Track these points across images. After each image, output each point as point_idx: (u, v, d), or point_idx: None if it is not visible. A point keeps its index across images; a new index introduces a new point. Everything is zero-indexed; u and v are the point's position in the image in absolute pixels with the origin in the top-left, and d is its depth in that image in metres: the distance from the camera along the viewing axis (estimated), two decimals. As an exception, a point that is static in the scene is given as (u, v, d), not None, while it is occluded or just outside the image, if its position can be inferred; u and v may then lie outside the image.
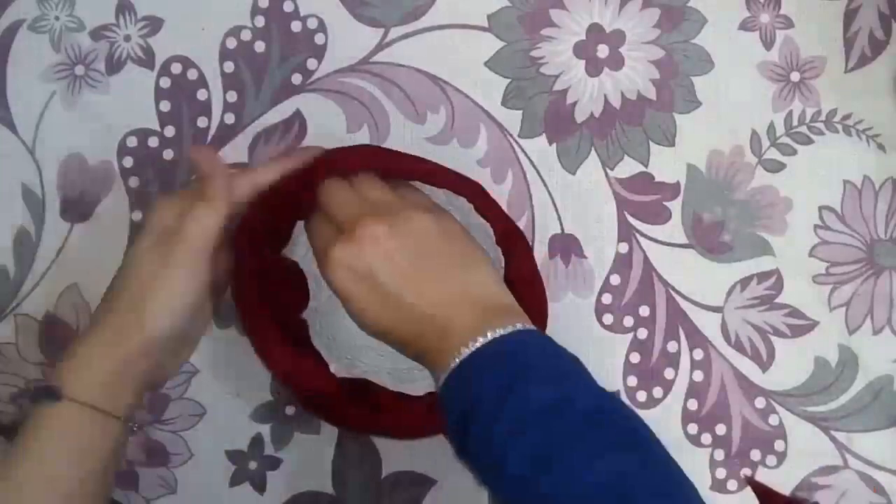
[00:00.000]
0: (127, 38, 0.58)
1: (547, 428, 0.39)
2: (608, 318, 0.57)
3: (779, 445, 0.57)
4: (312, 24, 0.58)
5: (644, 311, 0.57)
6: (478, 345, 0.42)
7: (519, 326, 0.43)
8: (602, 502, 0.37)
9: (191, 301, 0.47)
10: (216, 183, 0.47)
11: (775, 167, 0.58)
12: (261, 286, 0.50)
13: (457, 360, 0.42)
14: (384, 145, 0.57)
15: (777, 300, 0.57)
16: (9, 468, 0.44)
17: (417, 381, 0.53)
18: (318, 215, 0.48)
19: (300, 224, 0.51)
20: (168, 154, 0.57)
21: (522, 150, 0.57)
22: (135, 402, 0.47)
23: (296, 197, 0.49)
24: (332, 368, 0.53)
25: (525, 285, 0.49)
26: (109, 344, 0.46)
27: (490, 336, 0.42)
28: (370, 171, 0.49)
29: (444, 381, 0.42)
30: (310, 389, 0.51)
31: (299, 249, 0.54)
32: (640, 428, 0.41)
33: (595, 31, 0.58)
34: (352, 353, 0.55)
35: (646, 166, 0.58)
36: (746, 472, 0.57)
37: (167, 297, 0.46)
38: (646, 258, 0.57)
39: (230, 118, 0.57)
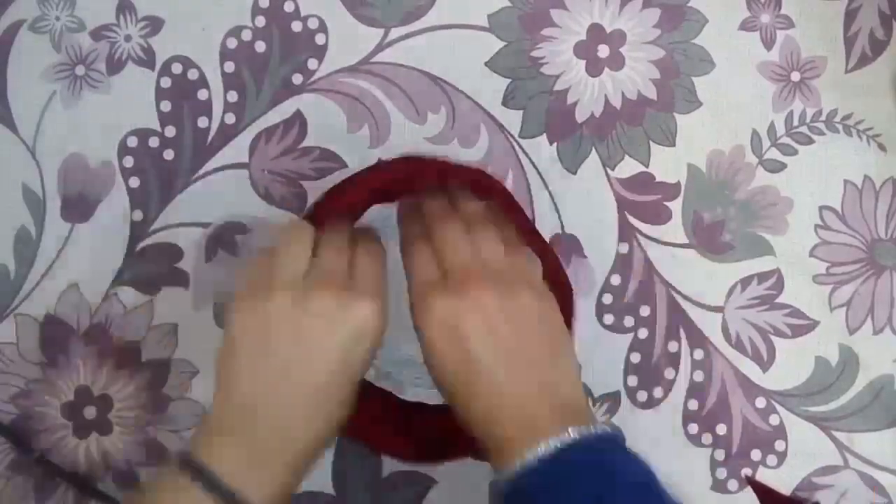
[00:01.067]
0: (127, 38, 0.58)
1: None
2: (608, 318, 0.57)
3: (779, 445, 0.57)
4: (313, 24, 0.58)
5: (644, 311, 0.57)
6: (565, 443, 0.40)
7: (603, 430, 0.41)
8: None
9: None
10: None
11: (776, 167, 0.58)
12: None
13: (538, 453, 0.40)
14: (384, 145, 0.57)
15: (777, 300, 0.57)
16: None
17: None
18: (419, 241, 0.46)
19: None
20: (168, 154, 0.57)
21: (523, 150, 0.57)
22: None
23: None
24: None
25: None
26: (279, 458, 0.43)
27: (577, 436, 0.40)
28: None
29: (518, 472, 0.40)
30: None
31: None
32: None
33: (595, 31, 0.58)
34: (384, 355, 0.54)
35: (646, 166, 0.58)
36: (747, 472, 0.57)
37: None
38: (646, 258, 0.57)
39: (231, 118, 0.57)
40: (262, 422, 0.43)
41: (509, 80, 0.58)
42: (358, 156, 0.57)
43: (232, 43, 0.58)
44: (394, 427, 0.52)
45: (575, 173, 0.57)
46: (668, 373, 0.57)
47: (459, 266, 0.44)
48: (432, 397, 0.52)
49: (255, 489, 0.41)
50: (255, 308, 0.44)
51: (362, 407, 0.52)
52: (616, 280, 0.57)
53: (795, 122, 0.58)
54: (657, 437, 0.57)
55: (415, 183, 0.50)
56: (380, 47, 0.58)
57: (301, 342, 0.43)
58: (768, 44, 0.58)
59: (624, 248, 0.57)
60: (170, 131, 0.57)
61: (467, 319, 0.43)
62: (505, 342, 0.43)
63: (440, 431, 0.52)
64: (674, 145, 0.58)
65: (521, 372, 0.43)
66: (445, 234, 0.46)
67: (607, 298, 0.57)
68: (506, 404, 0.42)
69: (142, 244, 0.57)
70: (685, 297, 0.57)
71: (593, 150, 0.57)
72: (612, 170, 0.57)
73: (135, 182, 0.57)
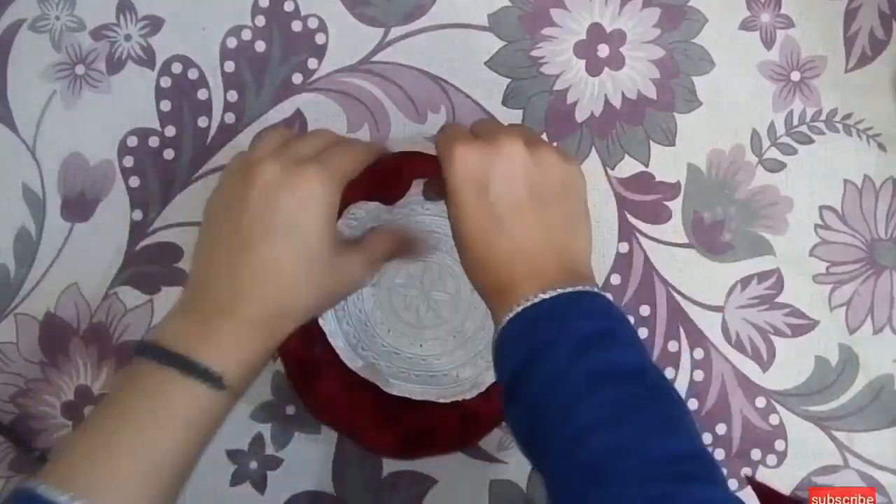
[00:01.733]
0: (127, 38, 0.58)
1: (625, 388, 0.40)
2: (609, 318, 0.57)
3: (779, 445, 0.57)
4: (313, 23, 0.58)
5: (644, 310, 0.57)
6: (565, 290, 0.42)
7: (604, 296, 0.44)
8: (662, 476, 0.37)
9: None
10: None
11: (776, 166, 0.58)
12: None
13: (539, 297, 0.42)
14: (385, 145, 0.57)
15: (777, 300, 0.57)
16: (124, 429, 0.41)
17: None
18: (454, 124, 0.49)
19: None
20: (168, 154, 0.57)
21: (523, 150, 0.57)
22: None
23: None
24: (343, 352, 0.53)
25: None
26: (262, 329, 0.44)
27: (581, 288, 0.42)
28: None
29: (520, 311, 0.42)
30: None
31: None
32: (685, 411, 0.42)
33: (595, 30, 0.58)
34: (371, 346, 0.55)
35: (646, 166, 0.58)
36: (747, 471, 0.57)
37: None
38: (646, 258, 0.57)
39: (230, 118, 0.57)
40: (211, 293, 0.44)
41: (509, 80, 0.58)
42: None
43: (232, 43, 0.58)
44: (379, 419, 0.52)
45: (575, 173, 0.57)
46: (668, 372, 0.57)
47: (490, 134, 0.46)
48: (416, 392, 0.53)
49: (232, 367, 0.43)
50: (215, 192, 0.47)
51: (349, 397, 0.53)
52: (616, 280, 0.57)
53: (795, 122, 0.58)
54: (657, 437, 0.57)
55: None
56: (380, 46, 0.58)
57: (245, 212, 0.44)
58: (768, 43, 0.58)
59: (624, 248, 0.57)
60: (170, 131, 0.57)
61: (492, 164, 0.44)
62: (523, 193, 0.44)
63: (423, 427, 0.53)
64: (674, 145, 0.58)
65: (536, 228, 0.44)
66: (486, 123, 0.49)
67: (607, 298, 0.57)
68: (518, 255, 0.44)
69: (142, 244, 0.57)
70: (685, 297, 0.57)
71: (593, 149, 0.57)
72: (612, 169, 0.57)
73: (135, 182, 0.57)
